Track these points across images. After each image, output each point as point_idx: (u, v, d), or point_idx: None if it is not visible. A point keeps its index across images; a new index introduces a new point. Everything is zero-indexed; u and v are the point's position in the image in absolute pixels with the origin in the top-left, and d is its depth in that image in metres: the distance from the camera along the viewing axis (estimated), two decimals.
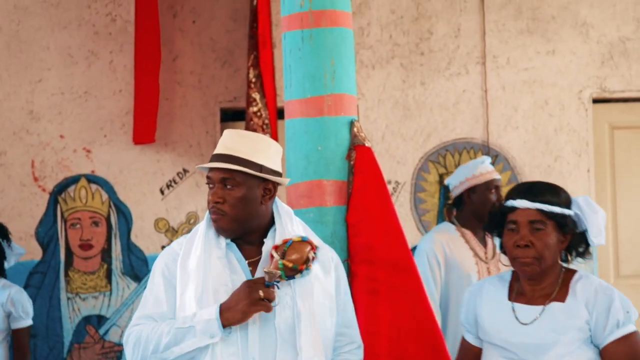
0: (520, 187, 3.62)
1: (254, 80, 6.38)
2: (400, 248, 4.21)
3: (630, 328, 3.52)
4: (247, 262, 3.59)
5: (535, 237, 3.52)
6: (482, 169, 5.64)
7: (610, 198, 6.97)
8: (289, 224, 3.63)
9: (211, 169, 3.59)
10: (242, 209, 3.55)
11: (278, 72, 6.51)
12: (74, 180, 6.88)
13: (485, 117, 6.92)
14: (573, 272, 3.62)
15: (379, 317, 4.11)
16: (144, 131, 6.75)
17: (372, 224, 4.22)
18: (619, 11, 7.00)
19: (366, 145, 4.31)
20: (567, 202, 3.58)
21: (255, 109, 6.34)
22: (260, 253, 3.60)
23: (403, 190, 6.88)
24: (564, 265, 3.63)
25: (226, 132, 3.65)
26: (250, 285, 3.41)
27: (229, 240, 3.61)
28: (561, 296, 3.56)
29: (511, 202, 3.57)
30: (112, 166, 6.88)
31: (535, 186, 3.61)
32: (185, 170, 6.89)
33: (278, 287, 3.44)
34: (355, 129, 4.32)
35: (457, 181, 5.68)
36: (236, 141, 3.57)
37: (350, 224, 4.25)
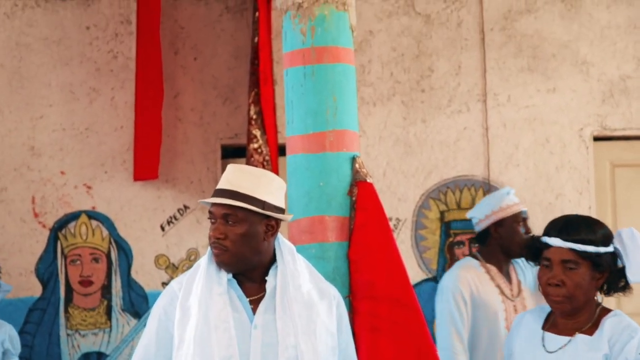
0: (557, 224, 3.58)
1: (254, 117, 6.39)
2: (402, 284, 4.21)
3: None
4: (248, 299, 3.57)
5: (567, 276, 3.50)
6: (507, 200, 5.44)
7: None
8: (290, 261, 3.61)
9: (213, 204, 3.57)
10: (243, 245, 3.52)
11: (279, 109, 6.53)
12: (75, 216, 6.87)
13: (486, 154, 6.92)
14: (608, 310, 3.60)
15: (382, 353, 4.10)
16: (146, 168, 6.74)
17: (374, 260, 4.22)
18: (619, 49, 7.03)
19: (368, 181, 4.31)
20: (605, 239, 3.54)
21: (256, 145, 6.34)
22: (262, 290, 3.57)
23: (404, 227, 6.87)
24: (599, 300, 3.62)
25: (229, 167, 3.64)
26: None
27: (230, 276, 3.58)
28: (590, 330, 3.55)
29: (545, 239, 3.55)
30: (113, 202, 6.87)
31: (572, 224, 3.55)
32: (186, 207, 6.88)
33: None
34: (357, 165, 4.32)
35: (482, 215, 5.43)
36: (239, 176, 3.56)
37: (352, 260, 4.24)
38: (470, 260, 5.43)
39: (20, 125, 6.87)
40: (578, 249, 3.48)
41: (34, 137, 6.87)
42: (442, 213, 6.86)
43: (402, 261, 4.28)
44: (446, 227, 6.80)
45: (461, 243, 6.80)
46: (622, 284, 3.61)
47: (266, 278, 3.58)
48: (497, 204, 5.43)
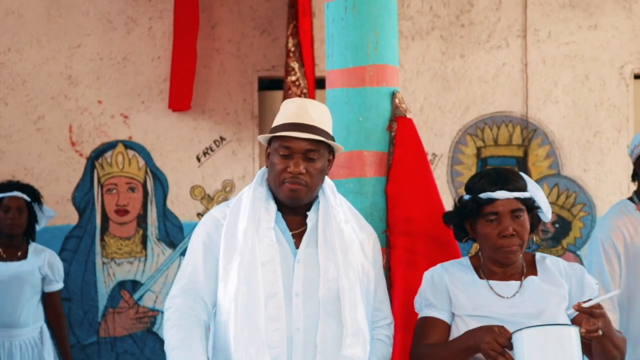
0: (490, 178, 3.56)
1: (293, 49, 6.37)
2: (439, 221, 4.18)
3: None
4: (291, 233, 3.57)
5: (517, 224, 3.52)
6: None
7: None
8: (332, 197, 3.60)
9: (294, 139, 3.48)
10: (319, 180, 3.54)
11: (317, 42, 6.49)
12: (111, 145, 6.91)
13: (524, 90, 6.87)
14: (532, 253, 3.64)
15: (417, 289, 4.09)
16: (180, 98, 6.76)
17: (411, 196, 4.20)
18: None
19: (407, 116, 4.28)
20: (526, 185, 3.59)
21: (293, 78, 6.33)
22: (303, 224, 3.56)
23: (440, 163, 6.85)
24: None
25: (297, 101, 3.58)
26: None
27: (276, 209, 3.56)
28: (533, 273, 3.58)
29: (489, 195, 3.53)
30: (149, 132, 6.90)
31: (503, 175, 3.56)
32: (222, 138, 6.88)
33: None
34: (396, 100, 4.29)
35: (633, 146, 4.62)
36: (309, 110, 3.51)
37: (389, 195, 4.23)
38: (625, 204, 4.71)
39: (57, 54, 6.88)
40: (521, 196, 3.50)
41: (71, 66, 6.88)
42: (478, 149, 6.84)
43: (440, 197, 4.26)
44: (483, 163, 6.78)
45: None
46: (538, 226, 3.65)
47: (307, 213, 3.57)
48: None
